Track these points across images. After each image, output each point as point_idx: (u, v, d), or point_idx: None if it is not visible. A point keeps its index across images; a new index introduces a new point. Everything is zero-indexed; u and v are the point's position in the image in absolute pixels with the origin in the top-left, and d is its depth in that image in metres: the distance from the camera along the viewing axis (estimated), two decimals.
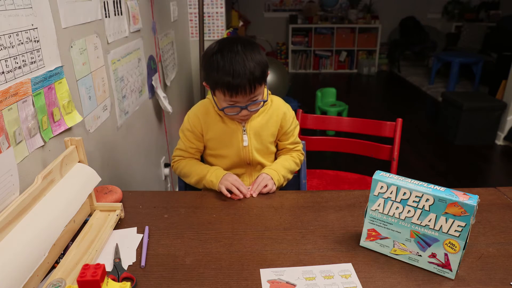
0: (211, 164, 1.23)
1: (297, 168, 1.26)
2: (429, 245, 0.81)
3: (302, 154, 1.29)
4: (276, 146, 1.29)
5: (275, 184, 1.14)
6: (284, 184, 1.22)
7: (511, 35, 5.25)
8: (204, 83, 1.14)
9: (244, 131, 1.18)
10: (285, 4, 6.59)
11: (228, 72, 1.02)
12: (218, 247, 0.90)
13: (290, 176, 1.24)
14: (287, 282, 0.78)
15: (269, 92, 1.25)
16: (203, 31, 2.30)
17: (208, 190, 1.17)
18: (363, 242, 0.89)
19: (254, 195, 1.11)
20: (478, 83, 5.01)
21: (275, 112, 1.22)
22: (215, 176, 1.13)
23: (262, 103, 1.13)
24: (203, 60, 1.11)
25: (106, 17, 1.34)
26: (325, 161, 3.18)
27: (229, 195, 1.09)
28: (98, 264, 0.68)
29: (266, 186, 1.12)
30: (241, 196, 1.09)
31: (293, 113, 1.26)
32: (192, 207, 1.06)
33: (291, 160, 1.24)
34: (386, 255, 0.87)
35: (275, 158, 1.29)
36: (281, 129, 1.23)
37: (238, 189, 1.09)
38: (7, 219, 0.70)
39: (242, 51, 1.04)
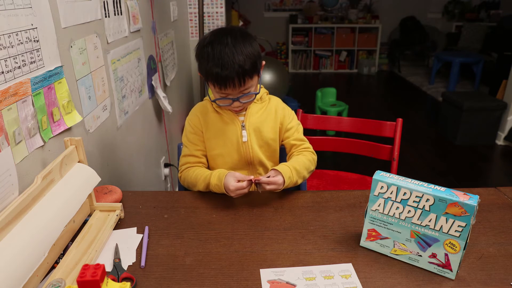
0: (213, 167, 1.23)
1: (312, 167, 1.20)
2: (429, 245, 0.80)
3: (314, 153, 1.24)
4: (283, 148, 1.27)
5: (284, 183, 1.08)
6: (299, 182, 1.15)
7: None
8: (199, 73, 1.15)
9: (243, 126, 1.18)
10: (285, 4, 6.58)
11: (217, 65, 1.03)
12: (218, 247, 0.90)
13: (305, 173, 1.17)
14: (287, 282, 0.78)
15: (267, 91, 1.25)
16: (203, 31, 2.30)
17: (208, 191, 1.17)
18: (363, 242, 0.89)
19: (258, 182, 1.05)
20: (478, 83, 5.01)
21: (274, 108, 1.22)
22: (218, 178, 1.08)
23: (254, 95, 1.12)
24: (196, 50, 1.11)
25: (106, 17, 1.34)
26: (325, 161, 3.18)
27: (245, 189, 1.04)
28: (98, 264, 0.67)
29: (272, 185, 1.06)
30: (249, 185, 1.05)
31: (292, 112, 1.26)
32: (192, 207, 1.06)
33: (303, 157, 1.19)
34: (386, 255, 0.87)
35: (279, 161, 1.27)
36: (281, 126, 1.22)
37: (242, 189, 1.04)
38: (7, 219, 0.70)
39: (232, 44, 1.04)
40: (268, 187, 1.05)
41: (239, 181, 1.05)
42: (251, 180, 1.05)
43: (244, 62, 1.03)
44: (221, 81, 1.04)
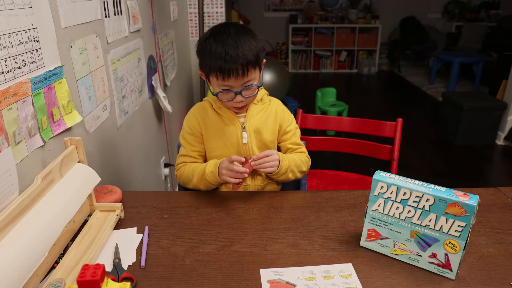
0: None
1: (304, 168, 1.21)
2: (429, 245, 0.80)
3: (308, 157, 1.25)
4: (279, 149, 1.28)
5: (278, 165, 1.11)
6: (290, 176, 1.16)
7: None
8: (199, 72, 1.14)
9: (244, 128, 1.18)
10: (285, 4, 6.58)
11: (220, 55, 1.02)
12: (218, 247, 0.90)
13: (294, 168, 1.17)
14: (287, 282, 0.78)
15: (267, 93, 1.25)
16: (203, 31, 2.31)
17: (208, 190, 1.17)
18: (363, 242, 0.89)
19: (253, 164, 1.06)
20: (478, 83, 5.01)
21: (274, 110, 1.22)
22: (214, 164, 1.10)
23: (256, 88, 1.12)
24: (197, 46, 1.11)
25: (106, 17, 1.34)
26: (325, 161, 3.18)
27: (236, 181, 1.06)
28: (98, 264, 0.68)
29: (268, 162, 1.08)
30: (244, 176, 1.05)
31: (292, 115, 1.26)
32: (192, 207, 1.06)
33: (294, 155, 1.21)
34: (386, 255, 0.87)
35: None
36: (280, 128, 1.22)
37: (235, 176, 1.06)
38: (7, 219, 0.70)
39: (234, 34, 1.04)
40: (261, 159, 1.07)
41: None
42: (245, 160, 1.05)
43: (248, 51, 1.03)
44: (225, 70, 1.03)
